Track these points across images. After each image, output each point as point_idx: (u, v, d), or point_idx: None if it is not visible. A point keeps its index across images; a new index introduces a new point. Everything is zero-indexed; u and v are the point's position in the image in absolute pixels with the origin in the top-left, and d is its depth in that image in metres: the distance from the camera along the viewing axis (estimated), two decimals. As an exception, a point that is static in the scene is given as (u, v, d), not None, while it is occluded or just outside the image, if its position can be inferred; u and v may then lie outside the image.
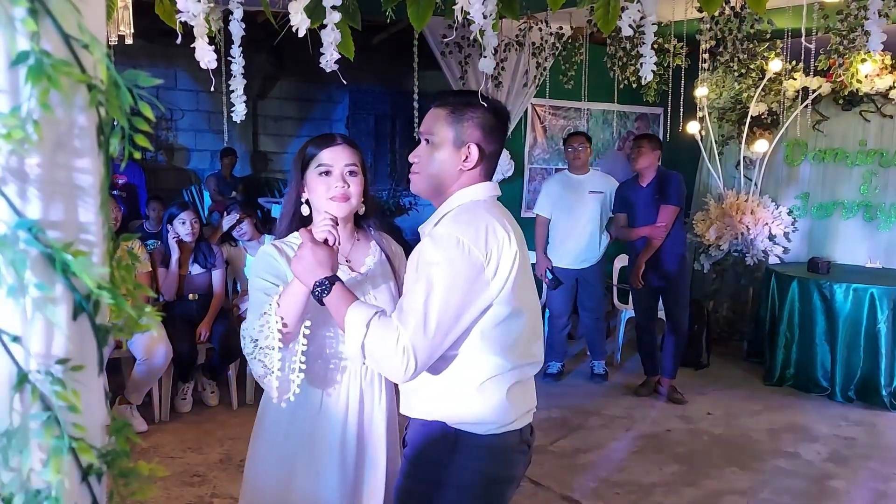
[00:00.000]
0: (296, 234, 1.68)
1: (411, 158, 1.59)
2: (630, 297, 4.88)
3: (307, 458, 1.66)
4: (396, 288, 1.73)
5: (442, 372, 1.47)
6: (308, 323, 1.54)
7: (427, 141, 1.55)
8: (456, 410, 1.46)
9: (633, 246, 4.63)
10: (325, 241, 1.51)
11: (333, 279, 1.46)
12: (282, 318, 1.50)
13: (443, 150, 1.53)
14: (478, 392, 1.45)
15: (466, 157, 1.51)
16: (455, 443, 1.46)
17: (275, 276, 1.61)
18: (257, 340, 1.52)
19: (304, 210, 1.71)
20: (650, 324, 4.70)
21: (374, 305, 1.45)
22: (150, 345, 3.78)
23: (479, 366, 1.45)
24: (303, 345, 1.54)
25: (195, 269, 4.28)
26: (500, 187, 1.62)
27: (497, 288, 1.42)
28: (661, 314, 4.75)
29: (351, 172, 1.66)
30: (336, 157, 1.65)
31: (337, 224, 1.55)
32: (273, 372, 1.51)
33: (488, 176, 1.57)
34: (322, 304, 1.46)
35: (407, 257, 1.58)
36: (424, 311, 1.36)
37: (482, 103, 1.53)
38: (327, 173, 1.64)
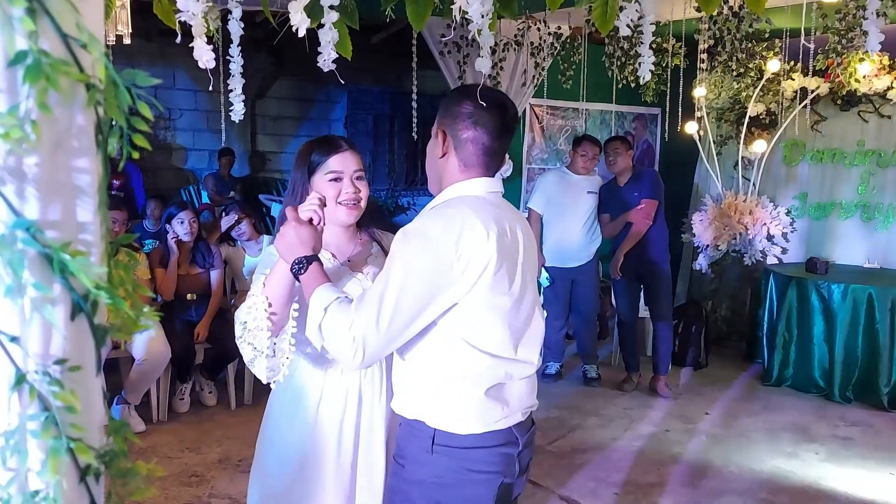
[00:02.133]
0: None
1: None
2: (613, 292, 4.92)
3: (309, 454, 1.67)
4: None
5: (420, 370, 1.46)
6: (296, 306, 1.55)
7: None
8: (433, 409, 1.45)
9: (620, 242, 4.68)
10: (310, 221, 1.53)
11: (312, 258, 1.47)
12: (267, 298, 1.52)
13: (430, 143, 1.56)
14: (454, 391, 1.43)
15: (441, 146, 1.51)
16: (433, 441, 1.44)
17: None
18: (245, 322, 1.55)
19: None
20: (632, 319, 4.77)
21: (339, 291, 1.44)
22: (149, 345, 3.78)
23: (454, 365, 1.43)
24: (292, 327, 1.55)
25: (193, 269, 4.28)
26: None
27: (466, 286, 1.38)
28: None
29: (359, 177, 1.68)
30: (345, 164, 1.67)
31: (325, 205, 1.56)
32: (262, 353, 1.54)
33: (485, 170, 1.52)
34: (299, 281, 1.48)
35: None
36: (380, 302, 1.35)
37: (467, 92, 1.51)
38: (338, 179, 1.66)
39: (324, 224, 1.55)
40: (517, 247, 1.48)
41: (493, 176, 1.55)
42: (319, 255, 1.53)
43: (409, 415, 1.48)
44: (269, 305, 1.52)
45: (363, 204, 1.69)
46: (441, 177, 1.53)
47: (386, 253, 1.75)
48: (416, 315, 1.37)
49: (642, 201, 4.49)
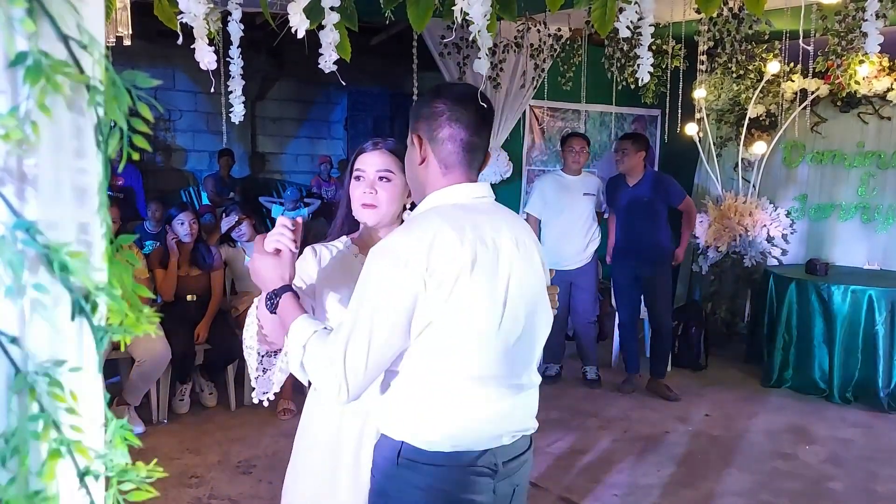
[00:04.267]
0: (344, 238, 1.70)
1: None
2: (613, 293, 4.93)
3: (329, 465, 1.65)
4: None
5: (390, 385, 1.40)
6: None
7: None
8: (400, 425, 1.38)
9: (622, 246, 4.70)
10: (278, 251, 1.44)
11: (282, 290, 1.41)
12: (258, 320, 1.51)
13: (407, 151, 1.48)
14: (420, 410, 1.36)
15: (418, 154, 1.42)
16: (399, 456, 1.37)
17: (300, 277, 1.61)
18: (244, 339, 1.55)
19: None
20: (632, 321, 4.78)
21: (317, 322, 1.37)
22: (149, 346, 3.78)
23: (422, 384, 1.35)
24: (285, 354, 1.50)
25: (193, 271, 4.28)
26: (496, 190, 1.55)
27: (439, 302, 1.29)
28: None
29: (382, 178, 1.62)
30: (368, 163, 1.62)
31: (295, 230, 1.46)
32: (253, 369, 1.54)
33: (462, 170, 1.42)
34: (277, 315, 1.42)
35: None
36: (355, 331, 1.27)
37: (439, 91, 1.44)
38: (359, 178, 1.64)
39: (295, 251, 1.46)
40: (497, 257, 1.36)
41: (477, 177, 1.46)
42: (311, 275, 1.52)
43: (381, 427, 1.43)
44: (261, 328, 1.50)
45: (383, 208, 1.62)
46: (423, 185, 1.44)
47: None
48: (395, 338, 1.30)
49: (684, 203, 4.62)
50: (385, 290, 1.29)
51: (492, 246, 1.36)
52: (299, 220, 1.48)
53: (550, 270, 1.59)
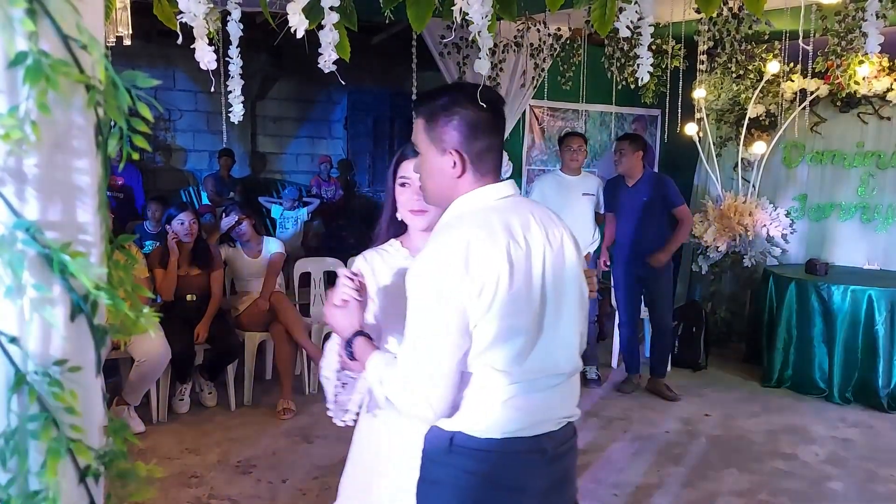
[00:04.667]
0: (392, 241, 1.73)
1: (413, 171, 1.55)
2: (613, 293, 4.92)
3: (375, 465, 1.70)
4: None
5: None
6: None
7: (418, 153, 1.50)
8: (453, 416, 1.42)
9: (623, 246, 4.68)
10: (345, 301, 1.53)
11: (354, 337, 1.50)
12: (339, 356, 1.59)
13: (429, 161, 1.46)
14: (469, 403, 1.40)
15: (454, 164, 1.43)
16: (451, 443, 1.42)
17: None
18: (322, 369, 1.65)
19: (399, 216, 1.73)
20: (632, 321, 4.78)
21: (386, 355, 1.45)
22: (148, 346, 3.78)
23: (473, 376, 1.39)
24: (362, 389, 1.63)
25: (193, 270, 4.28)
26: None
27: (484, 307, 1.34)
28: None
29: None
30: (413, 169, 1.63)
31: (364, 288, 1.55)
32: (331, 395, 1.65)
33: (491, 175, 1.47)
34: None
35: None
36: (415, 352, 1.35)
37: (459, 100, 1.43)
38: (404, 185, 1.65)
39: (358, 299, 1.54)
40: (530, 254, 1.41)
41: (499, 176, 1.49)
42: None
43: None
44: (342, 361, 1.59)
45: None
46: (452, 193, 1.47)
47: None
48: (455, 347, 1.34)
49: (678, 210, 4.56)
50: (435, 305, 1.34)
51: (524, 244, 1.40)
52: (359, 273, 1.58)
53: (586, 255, 1.61)
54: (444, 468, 1.44)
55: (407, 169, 1.65)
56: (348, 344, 1.51)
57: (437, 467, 1.45)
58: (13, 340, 0.64)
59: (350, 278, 1.54)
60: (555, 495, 1.50)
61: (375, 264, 1.68)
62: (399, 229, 1.74)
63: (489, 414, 1.40)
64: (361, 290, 1.55)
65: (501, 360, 1.38)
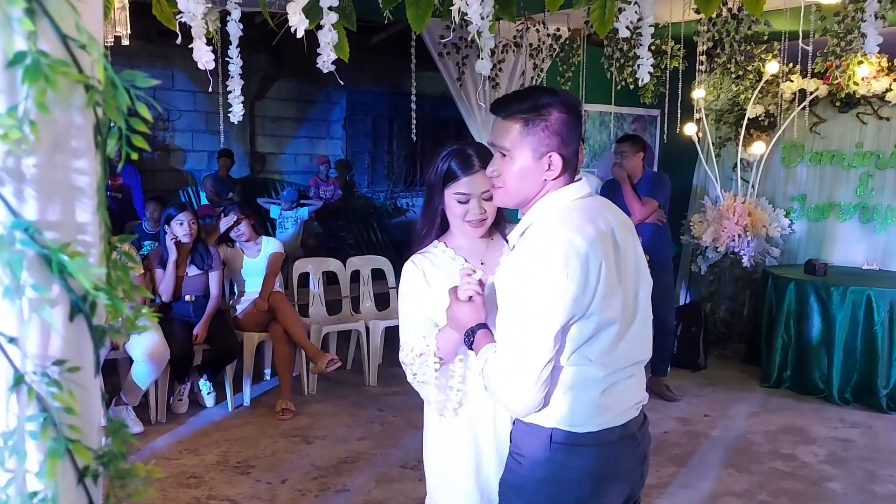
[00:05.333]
0: (436, 243, 1.78)
1: (490, 173, 1.55)
2: None
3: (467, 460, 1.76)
4: None
5: None
6: (461, 356, 1.70)
7: (503, 154, 1.50)
8: (547, 413, 1.47)
9: None
10: (470, 298, 1.58)
11: (477, 328, 1.54)
12: (440, 358, 1.66)
13: (523, 164, 1.48)
14: (567, 398, 1.46)
15: (549, 167, 1.47)
16: (551, 440, 1.47)
17: (418, 294, 1.73)
18: (416, 374, 1.69)
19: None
20: None
21: (495, 344, 1.50)
22: (147, 346, 3.77)
23: (566, 375, 1.45)
24: (459, 373, 1.69)
25: (192, 271, 4.28)
26: None
27: (585, 302, 1.40)
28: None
29: (487, 198, 1.68)
30: (474, 186, 1.67)
31: (483, 284, 1.59)
32: (429, 400, 1.73)
33: (573, 175, 1.52)
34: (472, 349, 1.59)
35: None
36: (521, 343, 1.40)
37: (553, 103, 1.46)
38: (465, 201, 1.69)
39: (483, 293, 1.59)
40: (617, 244, 1.48)
41: (576, 175, 1.55)
42: (469, 264, 1.68)
43: (527, 418, 1.51)
44: (440, 359, 1.66)
45: (490, 220, 1.72)
46: (532, 194, 1.51)
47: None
48: (554, 345, 1.40)
49: (644, 199, 4.50)
50: (539, 304, 1.38)
51: (611, 240, 1.46)
52: (481, 273, 1.61)
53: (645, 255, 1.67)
54: (547, 467, 1.49)
55: (469, 186, 1.68)
56: (470, 334, 1.55)
57: (540, 468, 1.50)
58: (12, 341, 0.64)
59: (470, 274, 1.59)
60: (637, 473, 1.65)
61: (426, 267, 1.73)
62: (440, 230, 1.79)
63: (584, 408, 1.46)
64: (481, 285, 1.59)
65: (596, 352, 1.45)
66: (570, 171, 1.51)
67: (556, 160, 1.46)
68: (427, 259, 1.75)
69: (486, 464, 1.74)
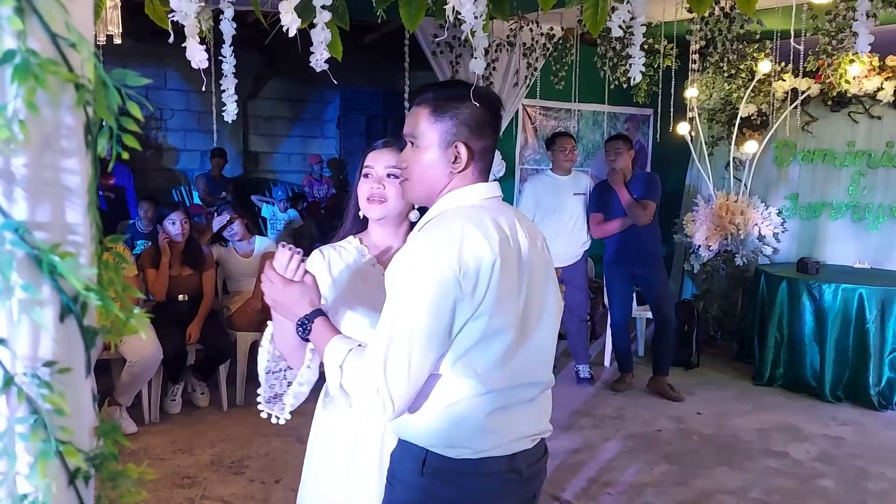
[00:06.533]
0: (350, 238, 1.69)
1: (398, 164, 1.48)
2: (606, 292, 4.93)
3: (348, 470, 1.62)
4: None
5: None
6: (311, 346, 1.48)
7: (412, 143, 1.41)
8: (424, 431, 1.33)
9: (612, 241, 4.69)
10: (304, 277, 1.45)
11: (314, 316, 1.38)
12: (274, 348, 1.55)
13: (429, 153, 1.39)
14: (447, 414, 1.31)
15: (455, 158, 1.37)
16: (423, 464, 1.33)
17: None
18: (259, 362, 1.58)
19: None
20: (625, 320, 4.79)
21: (350, 340, 1.34)
22: (140, 346, 3.76)
23: (448, 386, 1.31)
24: (307, 367, 1.53)
25: (185, 270, 4.27)
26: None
27: (474, 304, 1.27)
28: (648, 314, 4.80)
29: (390, 175, 1.61)
30: (377, 160, 1.63)
31: (303, 258, 1.47)
32: (265, 390, 1.58)
33: (483, 175, 1.42)
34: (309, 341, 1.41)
35: None
36: (391, 342, 1.24)
37: (468, 95, 1.38)
38: (367, 175, 1.64)
39: (305, 274, 1.46)
40: (519, 256, 1.36)
41: (488, 178, 1.44)
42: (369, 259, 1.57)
43: (400, 434, 1.39)
44: (278, 354, 1.55)
45: (391, 203, 1.61)
46: (437, 188, 1.41)
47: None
48: (435, 345, 1.26)
49: (647, 203, 4.49)
50: (422, 297, 1.25)
51: (514, 244, 1.35)
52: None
53: (557, 270, 1.58)
54: (417, 494, 1.35)
55: (373, 159, 1.63)
56: (305, 323, 1.38)
57: (410, 493, 1.36)
58: (2, 342, 0.63)
59: (291, 249, 1.45)
60: None
61: (332, 258, 1.65)
62: (361, 227, 1.72)
63: (465, 429, 1.32)
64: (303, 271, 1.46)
65: (483, 362, 1.31)
66: (480, 169, 1.41)
67: (463, 150, 1.37)
68: (336, 252, 1.67)
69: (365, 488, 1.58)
